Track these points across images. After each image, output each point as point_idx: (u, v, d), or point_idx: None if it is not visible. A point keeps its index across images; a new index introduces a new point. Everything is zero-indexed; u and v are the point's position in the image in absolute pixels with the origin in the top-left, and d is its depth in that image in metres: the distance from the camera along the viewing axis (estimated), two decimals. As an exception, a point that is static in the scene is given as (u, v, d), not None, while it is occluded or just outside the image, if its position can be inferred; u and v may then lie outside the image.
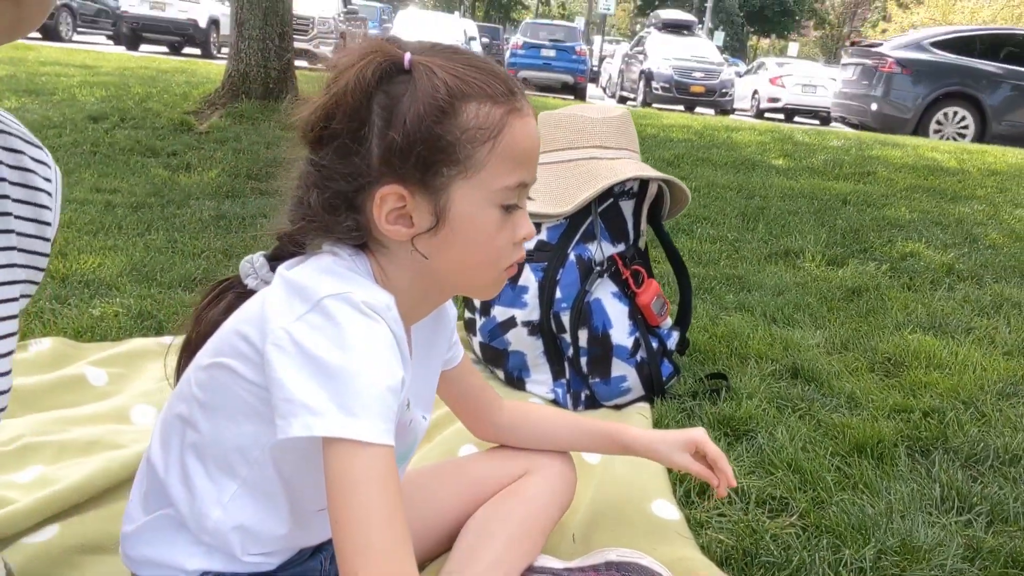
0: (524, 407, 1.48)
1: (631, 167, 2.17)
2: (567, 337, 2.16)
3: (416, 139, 0.94)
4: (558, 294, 2.14)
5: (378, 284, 1.02)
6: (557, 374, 2.22)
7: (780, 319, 2.96)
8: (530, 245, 2.18)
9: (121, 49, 15.70)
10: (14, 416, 1.94)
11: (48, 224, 0.98)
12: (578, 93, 18.84)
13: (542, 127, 2.28)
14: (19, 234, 0.94)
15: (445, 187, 0.97)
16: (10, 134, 0.93)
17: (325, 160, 1.00)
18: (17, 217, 0.94)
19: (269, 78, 6.29)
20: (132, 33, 17.80)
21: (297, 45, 17.27)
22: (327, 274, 0.98)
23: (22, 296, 0.96)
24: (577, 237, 2.16)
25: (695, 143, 7.04)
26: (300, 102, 1.02)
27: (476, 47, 21.74)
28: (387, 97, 0.95)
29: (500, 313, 2.21)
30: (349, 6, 20.52)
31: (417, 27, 19.21)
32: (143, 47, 17.64)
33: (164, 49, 17.60)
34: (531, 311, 2.17)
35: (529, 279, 2.16)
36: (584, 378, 2.18)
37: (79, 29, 19.05)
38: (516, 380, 2.25)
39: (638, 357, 2.18)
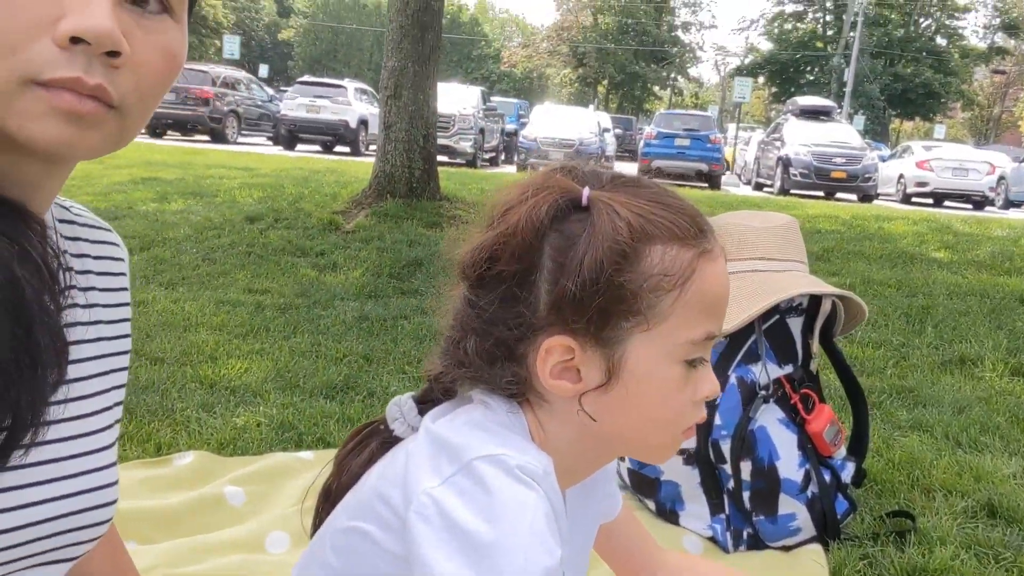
0: (694, 564, 1.28)
1: (800, 281, 1.96)
2: (727, 468, 1.94)
3: (593, 288, 0.82)
4: (717, 420, 1.93)
5: (535, 443, 0.88)
6: (715, 508, 2.00)
7: (965, 442, 2.62)
8: (686, 366, 1.99)
9: (278, 150, 16.63)
10: (153, 541, 1.88)
11: (126, 305, 0.96)
12: (713, 181, 18.58)
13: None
14: (108, 339, 0.90)
15: (621, 340, 0.84)
16: (85, 225, 0.91)
17: (486, 304, 0.88)
18: (104, 306, 0.91)
19: (413, 178, 6.41)
20: (289, 134, 18.94)
21: (438, 141, 17.93)
22: (479, 430, 0.85)
23: (115, 405, 0.91)
24: (739, 357, 1.95)
25: (844, 234, 6.68)
26: (461, 235, 0.91)
27: (610, 139, 21.92)
28: (561, 238, 0.83)
29: (653, 439, 2.01)
30: (488, 103, 21.15)
31: (552, 121, 19.54)
32: (299, 146, 18.69)
33: (317, 148, 18.54)
34: (688, 438, 1.96)
35: (685, 403, 1.96)
36: (747, 515, 1.94)
37: (243, 131, 20.44)
38: (669, 512, 2.04)
39: (809, 492, 1.93)
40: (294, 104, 19.24)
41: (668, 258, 0.82)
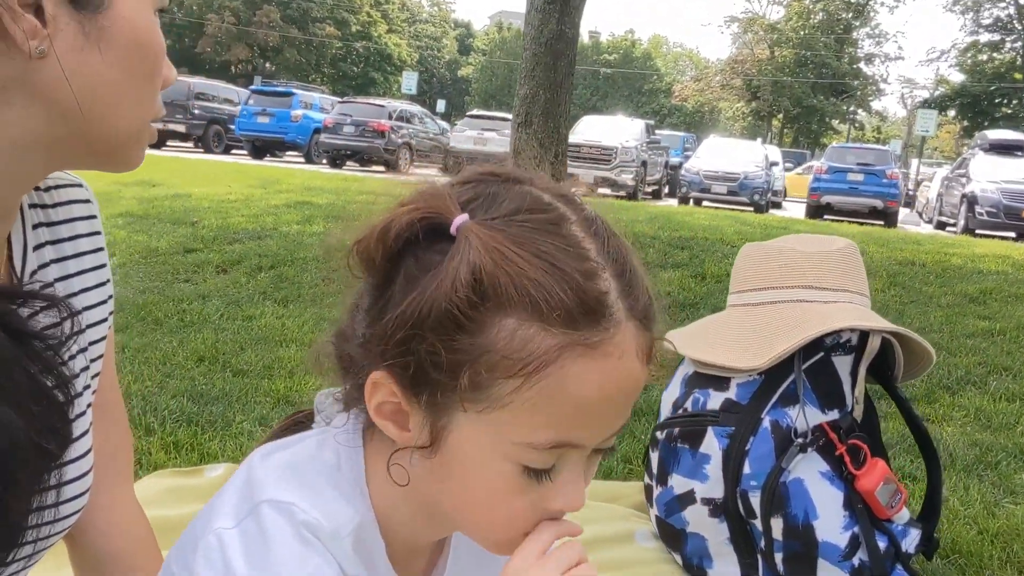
0: None
1: (849, 314, 1.69)
2: (758, 524, 1.69)
3: (411, 341, 0.67)
4: (747, 469, 1.69)
5: (359, 491, 0.75)
6: (748, 569, 1.74)
7: (1090, 516, 2.19)
8: (715, 404, 1.76)
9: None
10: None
11: (104, 266, 0.98)
12: (888, 219, 17.41)
13: (742, 260, 1.88)
14: (90, 308, 0.94)
15: (447, 409, 0.69)
16: (65, 186, 0.94)
17: (357, 299, 0.77)
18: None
19: (540, 205, 6.33)
20: (457, 165, 19.45)
21: (598, 174, 17.84)
22: (288, 469, 0.74)
23: (90, 383, 0.95)
24: (775, 399, 1.70)
25: (1012, 276, 5.99)
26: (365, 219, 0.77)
27: (778, 172, 21.08)
28: (416, 266, 0.69)
29: (678, 483, 1.79)
30: (652, 136, 20.89)
31: (718, 154, 19.02)
32: (465, 178, 19.13)
33: (482, 179, 18.89)
34: (713, 486, 1.73)
35: (712, 446, 1.73)
36: (781, 579, 1.68)
37: (415, 163, 21.21)
38: (696, 569, 1.80)
39: (856, 560, 1.64)
40: (462, 136, 19.84)
41: (518, 338, 0.64)
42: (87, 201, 0.96)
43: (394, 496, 0.75)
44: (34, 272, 0.86)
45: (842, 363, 1.72)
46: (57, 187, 0.92)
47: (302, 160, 20.40)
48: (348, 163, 20.28)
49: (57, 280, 0.90)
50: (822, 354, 1.71)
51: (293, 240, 6.13)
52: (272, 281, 4.87)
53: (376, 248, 0.71)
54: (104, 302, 0.96)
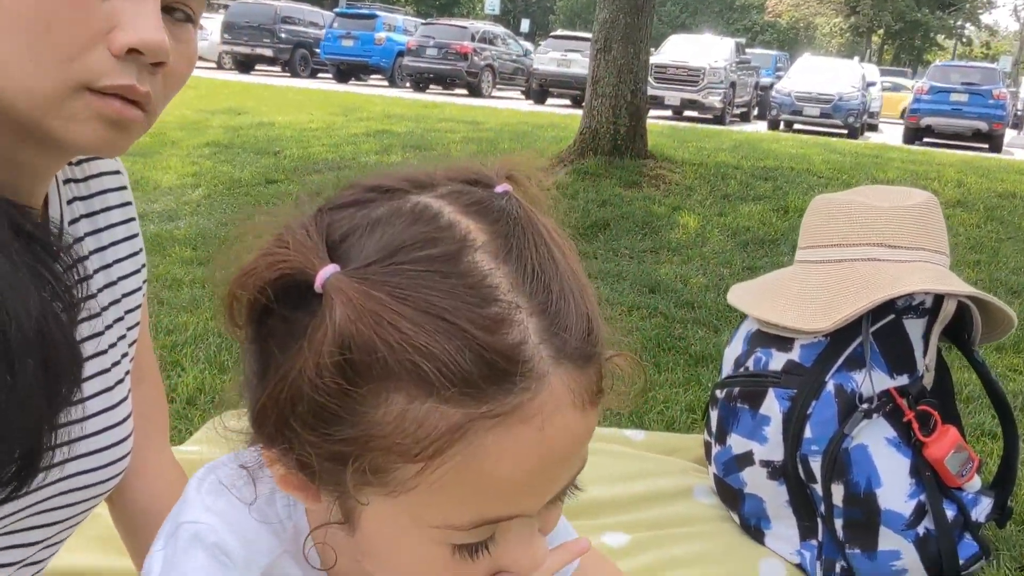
0: None
1: (925, 275, 1.59)
2: (818, 489, 1.63)
3: (288, 428, 0.55)
4: (808, 433, 1.63)
5: (290, 525, 0.68)
6: (807, 532, 1.69)
7: None
8: (777, 365, 1.69)
9: (517, 104, 16.82)
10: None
11: (136, 236, 0.99)
12: (993, 142, 16.46)
13: (811, 214, 1.78)
14: (121, 280, 0.95)
15: (351, 491, 0.57)
16: (89, 173, 0.93)
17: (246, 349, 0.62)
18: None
19: (618, 135, 6.16)
20: (540, 88, 19.15)
21: (684, 95, 17.28)
22: (215, 486, 0.69)
23: (127, 352, 0.96)
24: (840, 362, 1.62)
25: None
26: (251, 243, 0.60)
27: (875, 93, 20.06)
28: (284, 326, 0.55)
29: (736, 443, 1.74)
30: (742, 55, 20.08)
31: (811, 74, 18.18)
32: (548, 100, 18.83)
33: (567, 102, 18.57)
34: (772, 448, 1.68)
35: (772, 408, 1.67)
36: (840, 546, 1.63)
37: (498, 86, 20.97)
38: (753, 529, 1.76)
39: (921, 528, 1.58)
40: (546, 58, 19.42)
41: (410, 419, 0.51)
42: (116, 172, 0.96)
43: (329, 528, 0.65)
44: (70, 246, 0.86)
45: (914, 326, 1.63)
46: (88, 160, 0.93)
47: (386, 84, 20.36)
48: (431, 87, 20.17)
49: (93, 252, 0.91)
50: (893, 316, 1.62)
51: (371, 171, 6.14)
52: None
53: (236, 312, 0.58)
54: (138, 271, 0.98)
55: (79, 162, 0.92)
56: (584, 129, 6.29)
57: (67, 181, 0.90)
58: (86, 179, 0.92)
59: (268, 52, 20.74)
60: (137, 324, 0.99)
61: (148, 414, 1.05)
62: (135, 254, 0.97)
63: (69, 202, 0.89)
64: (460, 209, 0.56)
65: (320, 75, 21.46)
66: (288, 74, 20.87)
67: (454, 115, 10.14)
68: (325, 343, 0.50)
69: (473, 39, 19.90)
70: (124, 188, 0.97)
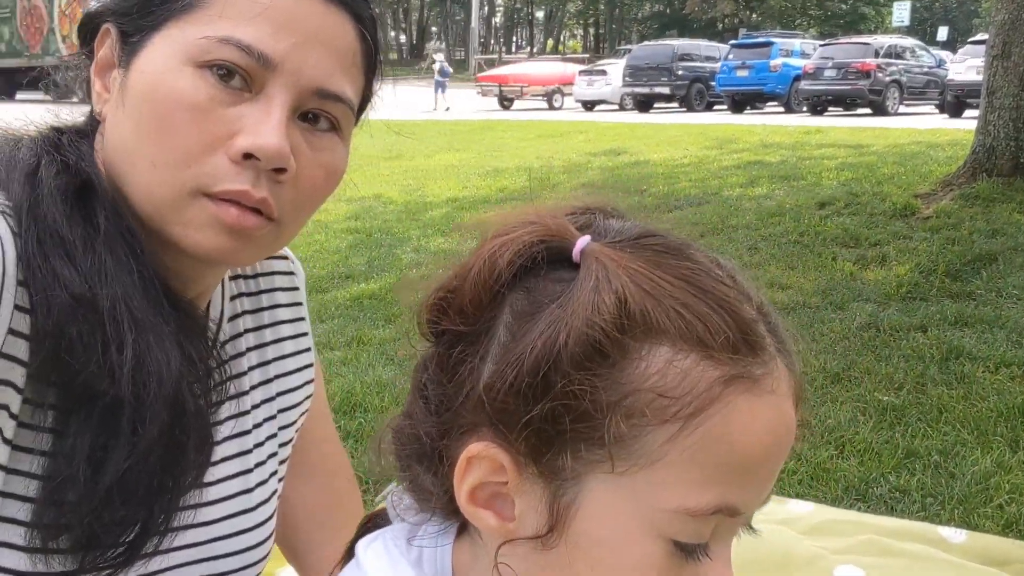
0: None
1: None
2: None
3: (538, 389, 0.52)
4: None
5: None
6: None
7: None
8: None
9: (924, 121, 15.09)
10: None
11: (307, 351, 0.94)
12: None
13: None
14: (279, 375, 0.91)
15: (575, 477, 0.53)
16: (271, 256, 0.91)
17: (427, 373, 0.62)
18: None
19: (1020, 153, 5.16)
20: (956, 100, 17.02)
21: None
22: (379, 547, 0.65)
23: (275, 472, 0.89)
24: None
25: None
26: (430, 275, 0.63)
27: None
28: (527, 300, 0.55)
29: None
30: None
31: None
32: (966, 112, 16.67)
33: (983, 113, 16.25)
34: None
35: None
36: None
37: (906, 101, 19.08)
38: None
39: None
40: (962, 67, 17.18)
41: (675, 370, 0.50)
42: (290, 273, 0.94)
43: None
44: (225, 342, 0.85)
45: None
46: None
47: (781, 110, 19.63)
48: (830, 109, 18.98)
49: (250, 349, 0.89)
50: None
51: (730, 205, 5.90)
52: (696, 252, 4.74)
53: (473, 289, 0.56)
54: (301, 369, 0.93)
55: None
56: (977, 147, 5.38)
57: (235, 277, 0.89)
58: (255, 276, 0.91)
59: (665, 90, 21.20)
60: (293, 424, 0.94)
61: (328, 505, 1.00)
62: (300, 352, 0.93)
63: (233, 298, 0.88)
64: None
65: (716, 107, 21.39)
66: (684, 109, 21.12)
67: (838, 139, 9.36)
68: (600, 290, 0.51)
69: (877, 55, 18.34)
70: (296, 289, 0.94)
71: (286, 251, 0.94)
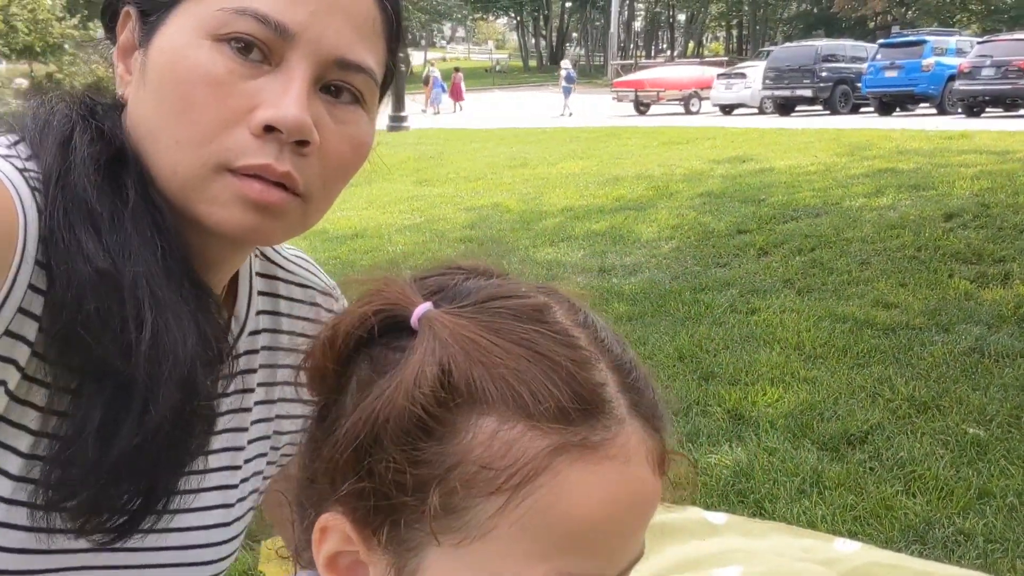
0: None
1: None
2: None
3: (371, 453, 0.53)
4: None
5: None
6: None
7: None
8: None
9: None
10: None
11: None
12: None
13: None
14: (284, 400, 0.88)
15: (416, 548, 0.54)
16: (306, 286, 0.90)
17: (303, 442, 0.65)
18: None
19: None
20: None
21: None
22: None
23: (255, 475, 0.87)
24: None
25: None
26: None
27: None
28: (370, 369, 0.56)
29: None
30: None
31: None
32: None
33: None
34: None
35: None
36: None
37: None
38: None
39: None
40: None
41: (500, 441, 0.50)
42: (330, 311, 0.91)
43: None
44: (240, 354, 0.84)
45: None
46: (301, 285, 0.91)
47: (933, 112, 18.46)
48: (987, 110, 17.69)
49: (263, 366, 0.87)
50: None
51: (849, 217, 5.63)
52: (803, 267, 4.56)
53: (323, 355, 0.58)
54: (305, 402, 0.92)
55: (287, 280, 0.90)
56: None
57: (266, 294, 0.88)
58: (290, 300, 0.89)
59: (807, 92, 20.36)
60: (282, 448, 0.92)
61: None
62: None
63: (259, 313, 0.86)
64: (537, 288, 0.59)
65: (862, 110, 20.36)
66: (828, 112, 20.22)
67: (982, 145, 8.71)
68: (424, 361, 0.51)
69: (1043, 51, 16.94)
70: (315, 323, 0.90)
71: (337, 293, 0.92)
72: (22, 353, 0.63)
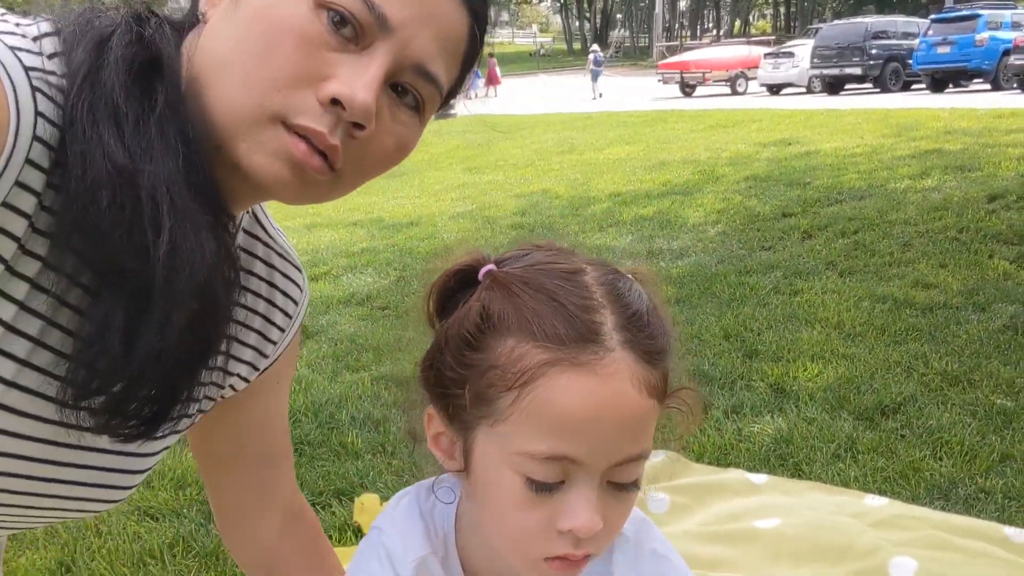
0: None
1: None
2: None
3: (439, 358, 0.80)
4: None
5: (441, 534, 0.88)
6: None
7: None
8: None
9: None
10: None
11: (272, 343, 0.95)
12: None
13: None
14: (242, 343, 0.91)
15: (471, 427, 0.78)
16: (284, 257, 0.94)
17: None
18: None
19: None
20: None
21: None
22: (401, 499, 0.92)
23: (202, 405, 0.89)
24: None
25: None
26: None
27: None
28: (453, 308, 0.82)
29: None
30: None
31: None
32: None
33: None
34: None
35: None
36: None
37: None
38: None
39: None
40: None
41: (515, 355, 0.73)
42: (299, 288, 0.96)
43: (469, 533, 0.86)
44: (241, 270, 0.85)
45: None
46: (280, 255, 0.93)
47: (988, 88, 18.10)
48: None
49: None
50: None
51: (894, 199, 5.73)
52: (845, 249, 4.70)
53: (435, 289, 0.83)
54: (250, 364, 0.94)
55: (269, 262, 0.92)
56: None
57: (248, 252, 0.89)
58: (270, 266, 0.92)
59: (857, 71, 20.10)
60: (214, 400, 0.93)
61: (260, 487, 1.06)
62: (257, 350, 0.93)
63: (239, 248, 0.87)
64: (587, 260, 0.80)
65: (914, 87, 20.03)
66: (878, 90, 19.94)
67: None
68: (474, 303, 0.76)
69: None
70: (296, 303, 0.96)
71: (302, 277, 0.97)
72: (20, 226, 0.63)
